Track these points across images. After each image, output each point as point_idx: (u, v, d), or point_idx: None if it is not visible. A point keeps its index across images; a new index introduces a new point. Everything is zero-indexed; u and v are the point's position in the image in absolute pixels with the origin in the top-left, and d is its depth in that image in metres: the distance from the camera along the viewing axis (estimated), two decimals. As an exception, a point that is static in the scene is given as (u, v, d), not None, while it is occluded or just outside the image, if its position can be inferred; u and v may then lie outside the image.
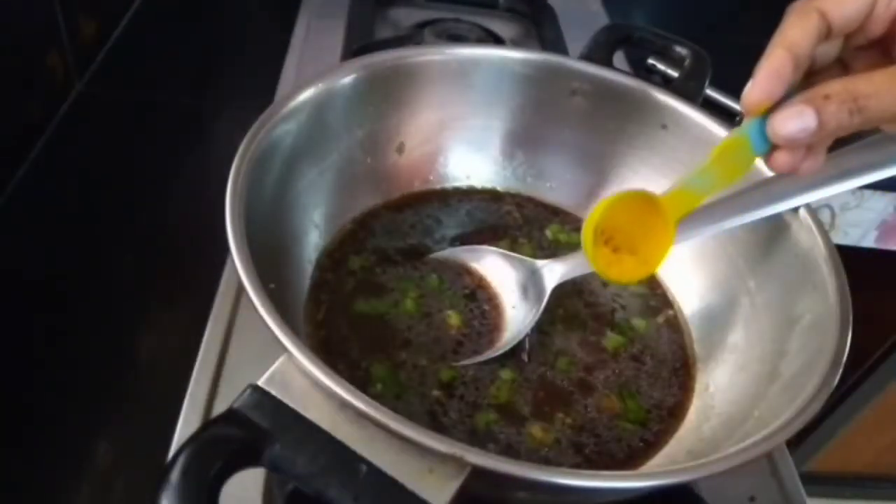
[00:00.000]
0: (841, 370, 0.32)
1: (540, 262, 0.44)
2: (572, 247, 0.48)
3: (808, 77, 0.31)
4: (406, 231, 0.47)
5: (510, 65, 0.48)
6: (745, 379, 0.39)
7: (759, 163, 0.42)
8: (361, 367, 0.39)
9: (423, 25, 0.75)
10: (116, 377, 0.44)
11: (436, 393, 0.39)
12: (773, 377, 0.36)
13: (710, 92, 0.72)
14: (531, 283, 0.43)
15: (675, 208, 0.34)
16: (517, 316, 0.43)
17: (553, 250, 0.48)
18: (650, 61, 0.76)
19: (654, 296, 0.47)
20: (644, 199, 0.34)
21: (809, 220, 0.39)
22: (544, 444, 0.38)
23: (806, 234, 0.39)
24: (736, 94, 0.79)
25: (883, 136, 0.37)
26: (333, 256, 0.44)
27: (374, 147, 0.47)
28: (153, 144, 0.61)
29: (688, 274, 0.46)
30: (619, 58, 0.66)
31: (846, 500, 1.23)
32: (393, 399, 0.38)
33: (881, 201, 0.72)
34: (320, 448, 0.25)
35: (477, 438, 0.37)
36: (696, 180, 0.33)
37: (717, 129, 0.45)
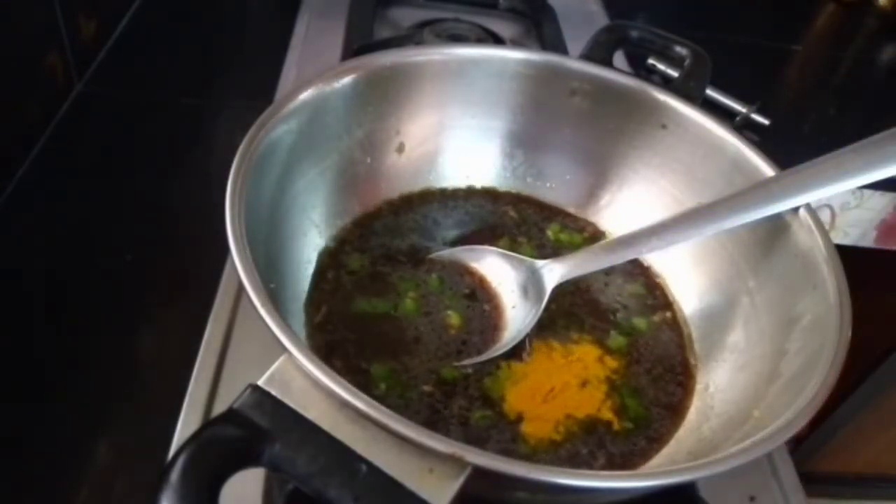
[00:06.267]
0: (841, 370, 0.32)
1: (540, 262, 0.44)
2: (572, 247, 0.48)
3: None
4: (406, 231, 0.47)
5: (510, 65, 0.48)
6: (745, 379, 0.39)
7: (759, 163, 0.42)
8: (362, 367, 0.39)
9: (423, 25, 0.75)
10: (116, 377, 0.44)
11: (436, 393, 0.39)
12: (773, 377, 0.36)
13: (710, 92, 0.73)
14: (531, 283, 0.43)
15: None
16: (517, 316, 0.43)
17: (553, 250, 0.48)
18: (650, 61, 0.77)
19: (654, 295, 0.47)
20: None
21: (809, 220, 0.39)
22: (543, 443, 0.38)
23: (806, 234, 0.39)
24: (736, 94, 0.80)
25: (883, 136, 0.37)
26: (333, 256, 0.44)
27: (374, 147, 0.47)
28: (153, 144, 0.61)
29: (688, 273, 0.46)
30: (619, 58, 0.66)
31: (846, 500, 1.23)
32: (394, 399, 0.38)
33: (881, 201, 0.71)
34: (320, 448, 0.25)
35: (477, 438, 0.37)
36: None
37: (717, 129, 0.45)
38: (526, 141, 0.50)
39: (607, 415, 0.40)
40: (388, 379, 0.39)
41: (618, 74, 0.47)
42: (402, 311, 0.42)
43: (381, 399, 0.36)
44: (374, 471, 0.25)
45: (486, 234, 0.48)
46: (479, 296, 0.44)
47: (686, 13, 0.95)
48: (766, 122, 0.72)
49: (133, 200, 0.55)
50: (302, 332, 0.40)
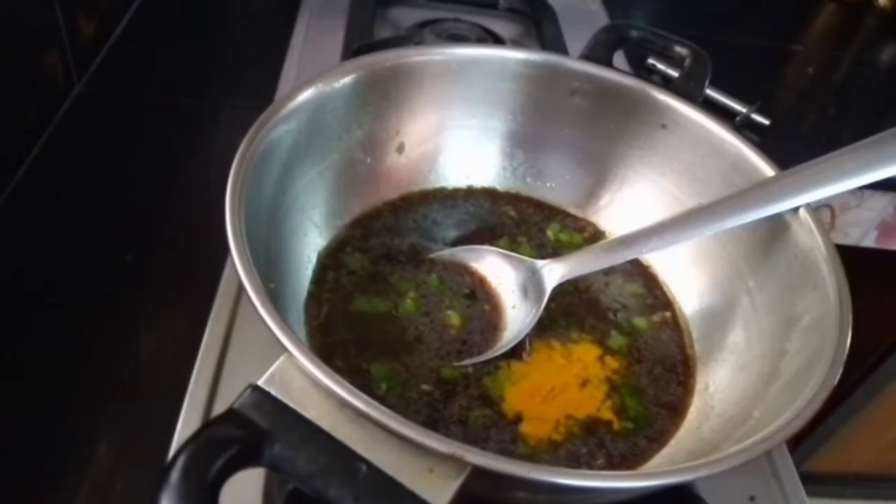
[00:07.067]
0: (841, 370, 0.32)
1: (540, 262, 0.44)
2: (572, 247, 0.48)
3: None
4: (406, 231, 0.47)
5: (510, 65, 0.48)
6: (745, 379, 0.39)
7: (759, 163, 0.42)
8: (362, 367, 0.39)
9: (423, 25, 0.75)
10: (116, 377, 0.44)
11: (436, 392, 0.39)
12: (773, 377, 0.36)
13: (710, 92, 0.73)
14: (531, 283, 0.43)
15: None
16: (517, 316, 0.43)
17: (553, 250, 0.48)
18: (650, 61, 0.77)
19: (654, 295, 0.47)
20: None
21: (809, 220, 0.39)
22: (543, 443, 0.38)
23: (806, 234, 0.39)
24: (736, 94, 0.80)
25: (883, 136, 0.37)
26: (333, 256, 0.44)
27: (374, 147, 0.47)
28: (153, 144, 0.61)
29: (688, 274, 0.46)
30: (619, 58, 0.66)
31: (846, 500, 1.23)
32: (394, 399, 0.38)
33: (881, 201, 0.71)
34: (320, 448, 0.25)
35: (477, 438, 0.37)
36: None
37: (717, 129, 0.45)
38: (526, 141, 0.50)
39: (607, 415, 0.40)
40: (389, 379, 0.39)
41: (618, 74, 0.47)
42: (403, 311, 0.42)
43: (382, 399, 0.36)
44: (374, 471, 0.25)
45: (486, 234, 0.48)
46: (479, 296, 0.44)
47: (686, 13, 0.95)
48: (766, 122, 0.72)
49: (133, 200, 0.55)
50: (302, 332, 0.40)
